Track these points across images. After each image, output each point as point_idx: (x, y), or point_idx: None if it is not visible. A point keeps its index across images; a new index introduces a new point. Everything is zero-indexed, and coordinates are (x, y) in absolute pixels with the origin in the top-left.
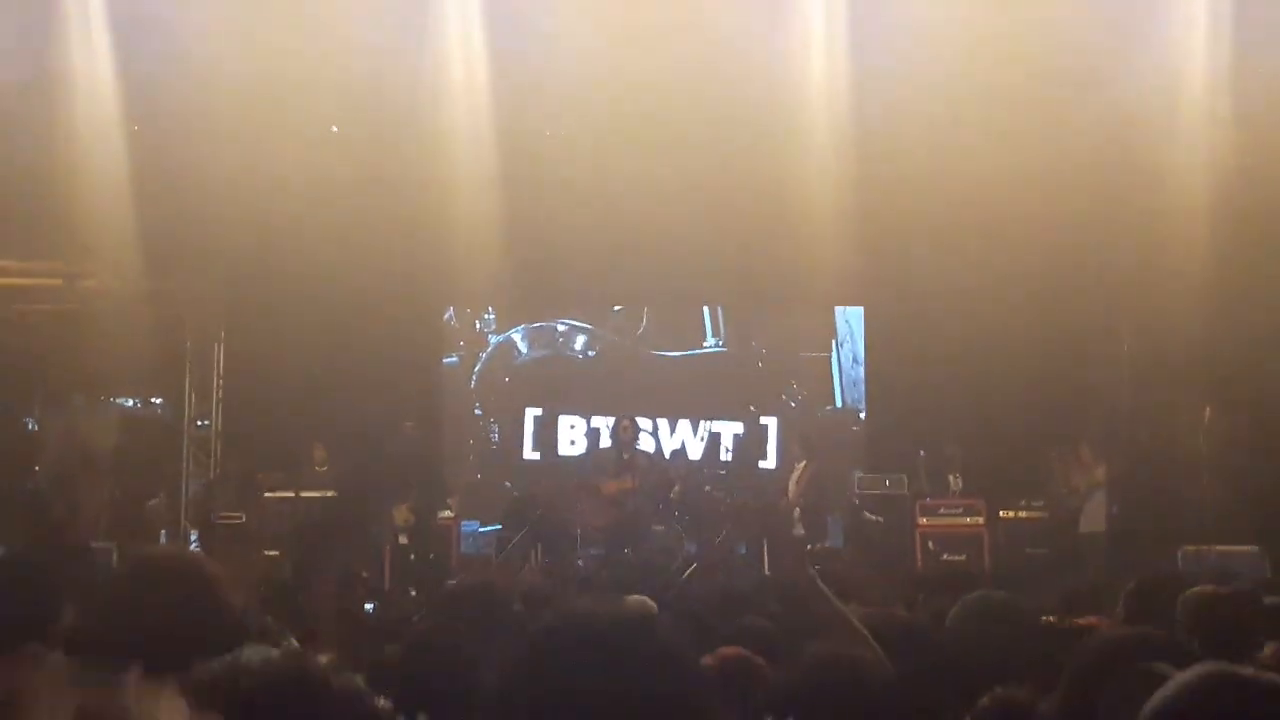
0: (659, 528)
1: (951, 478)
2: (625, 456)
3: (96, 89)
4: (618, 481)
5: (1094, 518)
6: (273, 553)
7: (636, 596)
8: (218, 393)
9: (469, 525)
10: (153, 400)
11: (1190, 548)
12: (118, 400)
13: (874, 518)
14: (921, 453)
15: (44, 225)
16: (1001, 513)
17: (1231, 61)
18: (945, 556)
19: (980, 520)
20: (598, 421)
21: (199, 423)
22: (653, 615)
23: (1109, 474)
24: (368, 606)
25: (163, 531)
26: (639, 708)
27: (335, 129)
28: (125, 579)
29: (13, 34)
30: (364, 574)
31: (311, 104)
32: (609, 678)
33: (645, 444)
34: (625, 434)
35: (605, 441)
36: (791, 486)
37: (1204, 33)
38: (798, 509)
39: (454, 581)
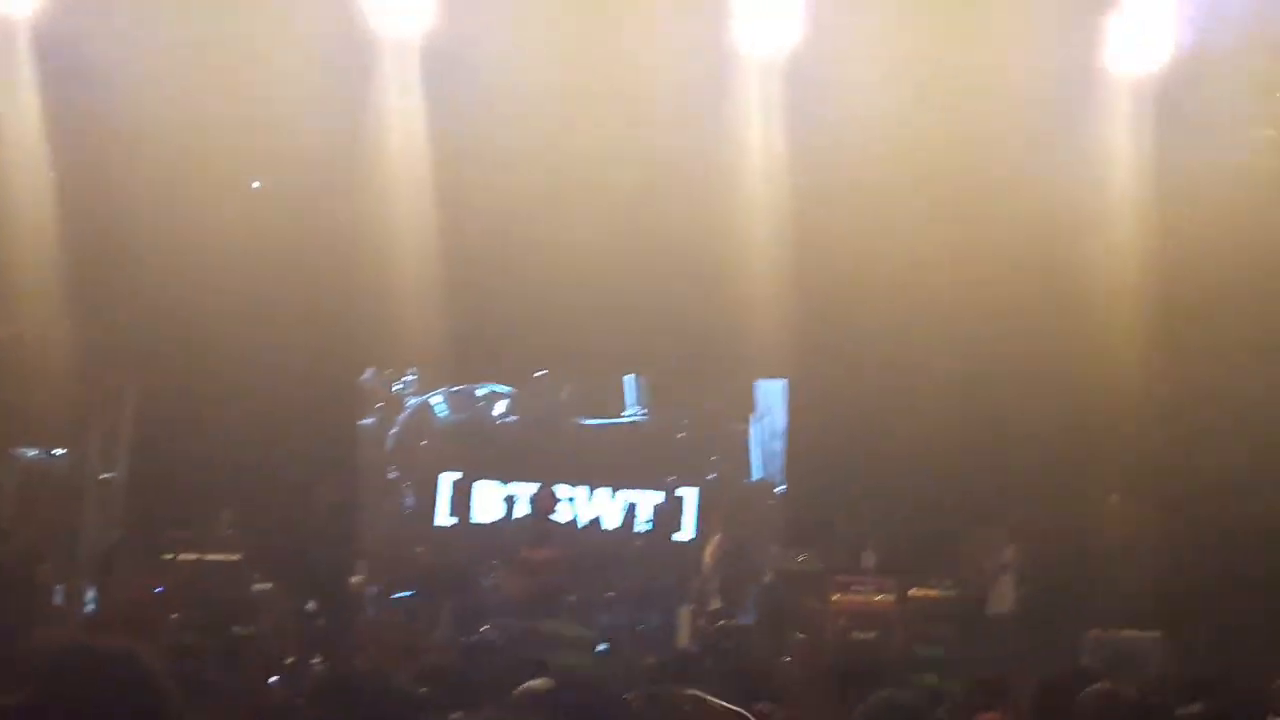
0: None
1: (864, 553)
2: (544, 526)
3: (18, 133)
4: (538, 551)
5: (1002, 599)
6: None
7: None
8: (125, 447)
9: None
10: (54, 451)
11: (1096, 632)
12: (20, 451)
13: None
14: (834, 524)
15: None
16: (912, 591)
17: (1154, 154)
18: (856, 634)
19: (891, 598)
20: (515, 488)
21: (102, 475)
22: None
23: (1017, 557)
24: (270, 680)
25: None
26: None
27: (257, 184)
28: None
29: None
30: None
31: (236, 157)
32: None
33: (563, 514)
34: (544, 503)
35: (523, 509)
36: (707, 559)
37: (1127, 127)
38: (716, 581)
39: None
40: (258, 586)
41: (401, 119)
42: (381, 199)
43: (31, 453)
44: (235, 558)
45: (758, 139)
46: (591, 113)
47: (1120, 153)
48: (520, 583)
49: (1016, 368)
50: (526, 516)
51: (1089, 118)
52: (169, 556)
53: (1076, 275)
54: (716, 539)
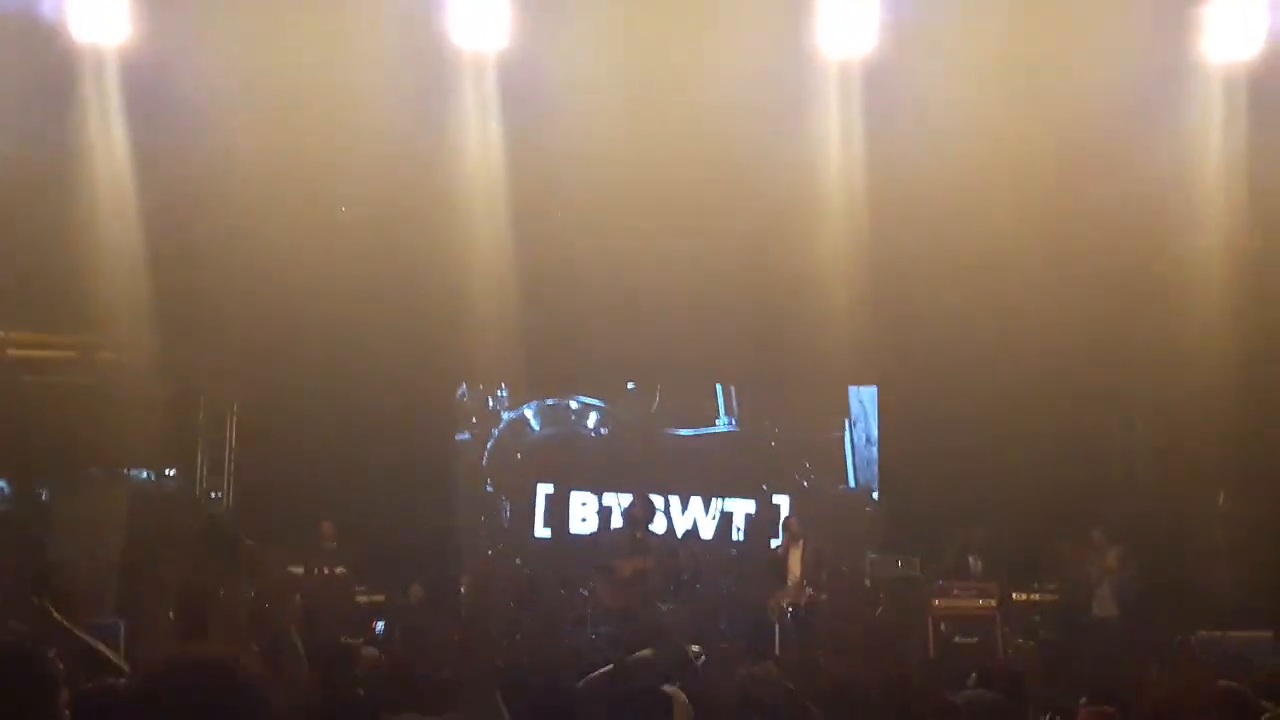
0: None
1: (971, 559)
2: (639, 536)
3: (111, 163)
4: (632, 562)
5: (1107, 602)
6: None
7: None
8: (229, 466)
9: None
10: (165, 473)
11: (1205, 633)
12: (131, 473)
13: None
14: (963, 531)
15: (61, 298)
16: (1014, 595)
17: (1246, 145)
18: (957, 639)
19: (993, 603)
20: (609, 499)
21: (211, 495)
22: None
23: (1122, 558)
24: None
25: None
26: None
27: (344, 209)
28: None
29: (34, 110)
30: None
31: (323, 181)
32: None
33: (658, 524)
34: (639, 514)
35: (617, 520)
36: (792, 569)
37: (1219, 117)
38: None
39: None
40: (362, 598)
41: (482, 136)
42: (467, 216)
43: (142, 475)
44: (340, 570)
45: (839, 143)
46: (673, 123)
47: (1213, 145)
48: (614, 593)
49: (1113, 366)
50: (622, 529)
51: (1182, 110)
52: (278, 570)
53: (1171, 271)
54: (799, 547)
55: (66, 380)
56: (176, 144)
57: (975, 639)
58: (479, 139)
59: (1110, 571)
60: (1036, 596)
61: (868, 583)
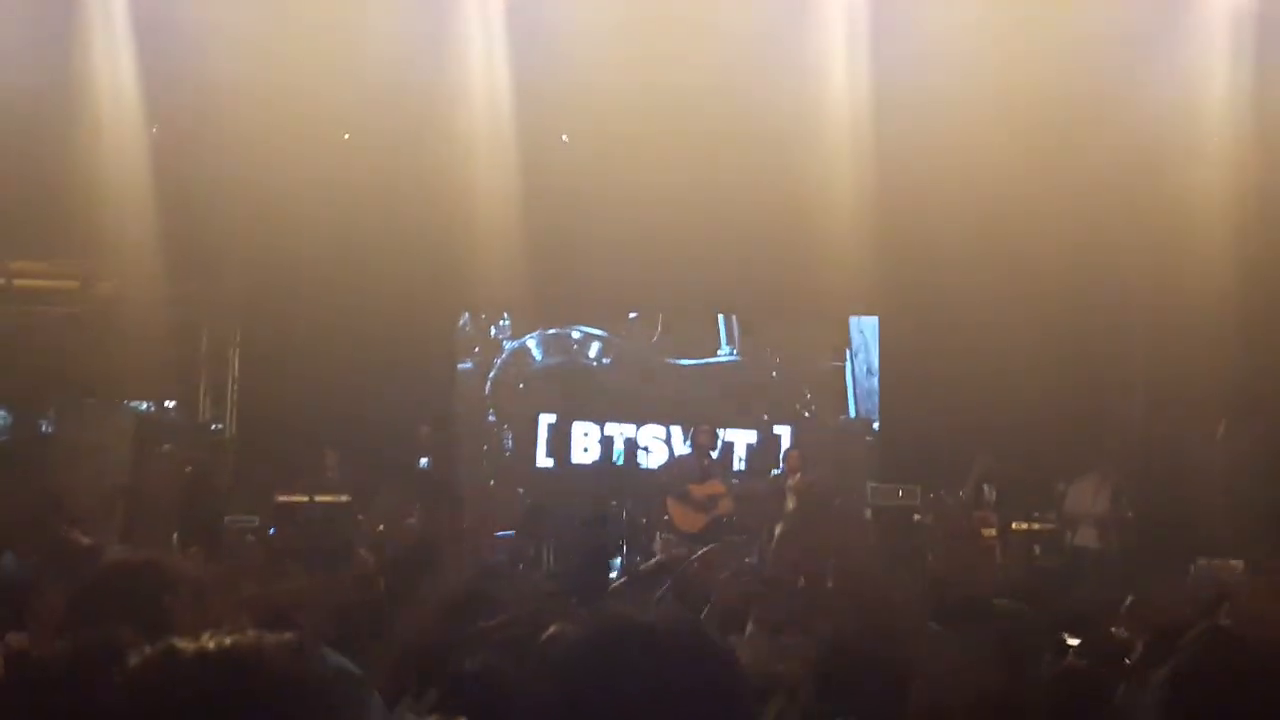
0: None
1: (986, 487)
2: (705, 462)
3: (115, 91)
4: (705, 486)
5: (1106, 532)
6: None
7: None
8: (232, 397)
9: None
10: (166, 404)
11: (1204, 561)
12: (132, 403)
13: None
14: (977, 460)
15: (61, 227)
16: (1014, 525)
17: (1251, 81)
18: (955, 567)
19: (993, 532)
20: (611, 429)
21: (213, 426)
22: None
23: (1120, 488)
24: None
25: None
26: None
27: (347, 136)
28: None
29: (34, 37)
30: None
31: (328, 109)
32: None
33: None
34: (704, 439)
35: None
36: (789, 499)
37: (1223, 53)
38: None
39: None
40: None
41: (485, 65)
42: (469, 146)
43: (143, 406)
44: (344, 499)
45: (842, 77)
46: (676, 54)
47: (1216, 83)
48: (696, 518)
49: (1114, 300)
50: (687, 455)
51: (1183, 48)
52: (280, 499)
53: (1170, 208)
54: (796, 477)
55: (68, 310)
56: (179, 72)
57: (974, 568)
58: (480, 66)
59: (1109, 500)
60: (1036, 525)
61: (868, 512)
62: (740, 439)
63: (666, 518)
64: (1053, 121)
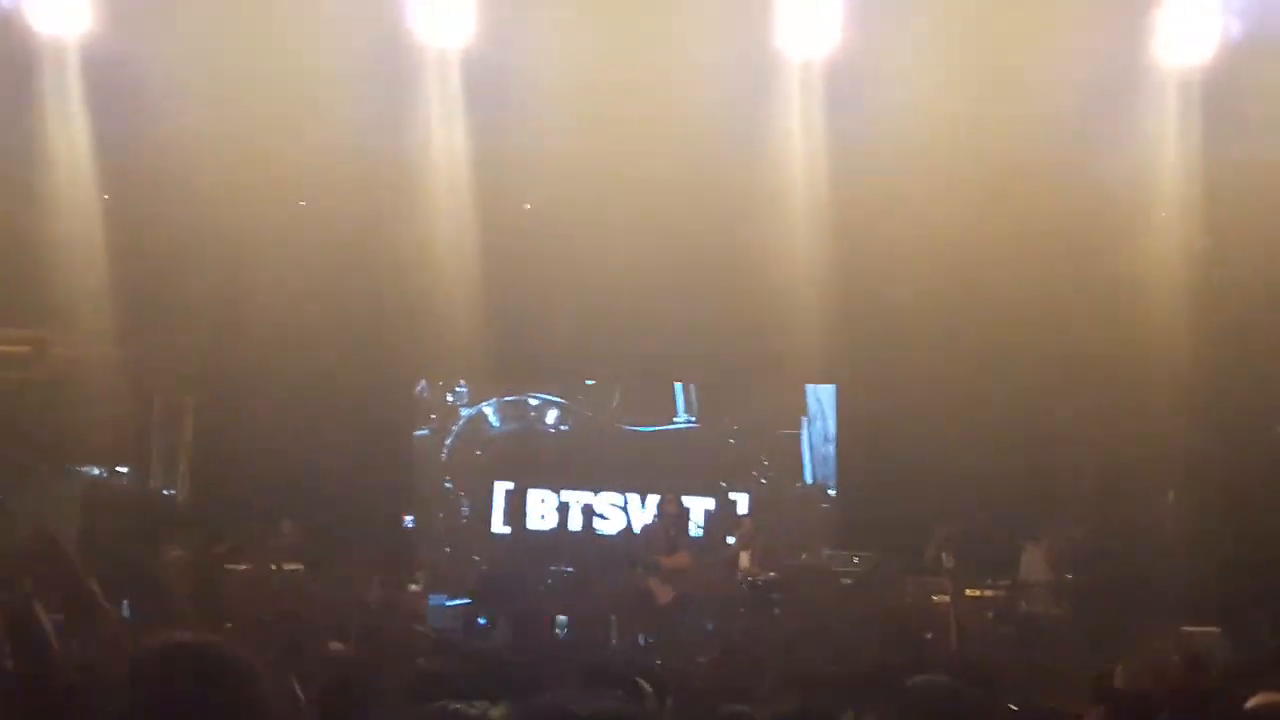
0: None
1: (944, 555)
2: (673, 534)
3: (69, 155)
4: (674, 558)
5: (1059, 599)
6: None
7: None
8: (184, 464)
9: (436, 599)
10: (118, 469)
11: (1170, 626)
12: (83, 469)
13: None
14: (937, 530)
15: (13, 291)
16: (968, 591)
17: (1201, 147)
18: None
19: (947, 599)
20: (568, 496)
21: (164, 492)
22: None
23: (1074, 556)
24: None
25: None
26: None
27: (303, 202)
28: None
29: None
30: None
31: (284, 175)
32: None
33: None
34: (671, 508)
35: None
36: (744, 562)
37: (1174, 120)
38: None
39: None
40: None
41: (445, 131)
42: (428, 212)
43: (94, 471)
44: (297, 567)
45: (800, 141)
46: (634, 121)
47: (1166, 146)
48: (660, 590)
49: (1066, 368)
50: (654, 526)
51: (1135, 111)
52: (231, 567)
53: (1126, 270)
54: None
55: (19, 375)
56: (134, 137)
57: (930, 634)
58: (441, 134)
59: (1063, 568)
60: (989, 592)
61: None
62: (697, 505)
63: (639, 586)
64: (1008, 191)
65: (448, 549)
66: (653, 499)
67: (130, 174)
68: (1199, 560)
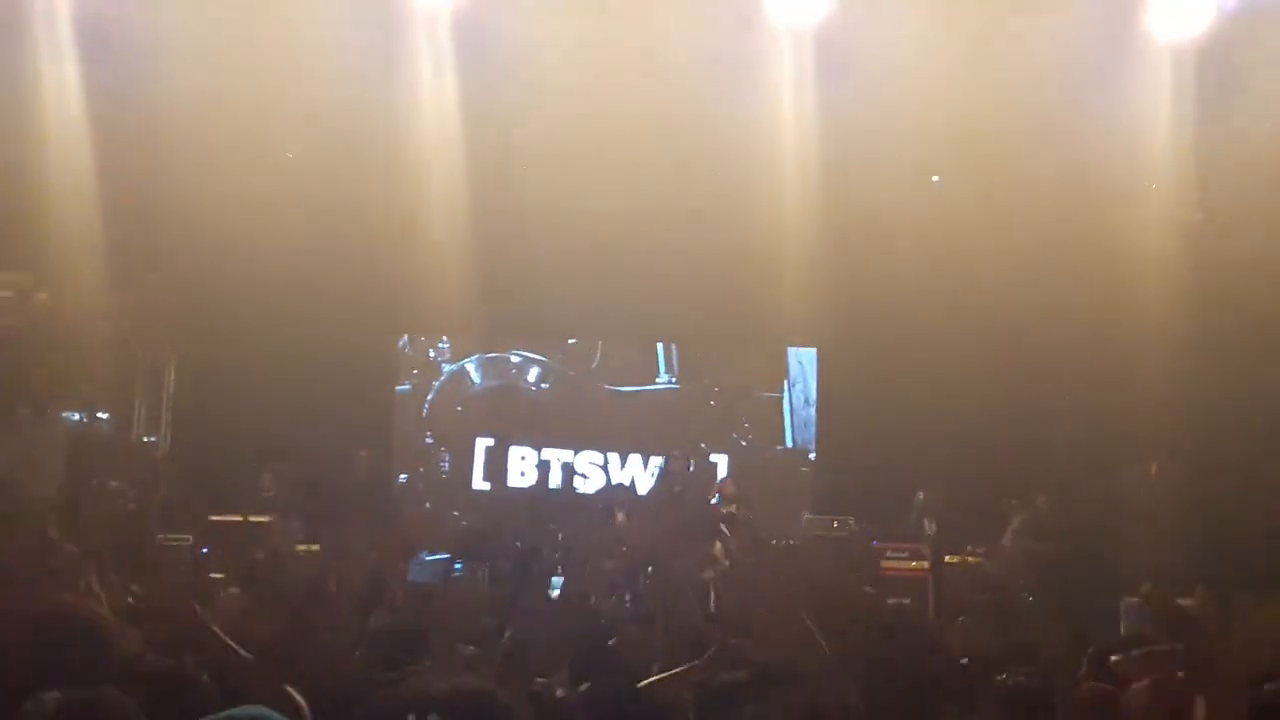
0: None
1: (927, 522)
2: (676, 489)
3: (56, 103)
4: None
5: (1036, 567)
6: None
7: None
8: (167, 413)
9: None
10: (99, 415)
11: (1133, 599)
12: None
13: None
14: (920, 495)
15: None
16: (947, 559)
17: (1191, 118)
18: (890, 600)
19: (925, 565)
20: (549, 453)
21: (145, 439)
22: None
23: (1054, 524)
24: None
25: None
26: None
27: (290, 154)
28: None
29: None
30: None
31: (271, 127)
32: None
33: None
34: (677, 465)
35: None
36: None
37: (1168, 91)
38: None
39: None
40: (300, 548)
41: (432, 89)
42: (415, 169)
43: (76, 416)
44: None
45: (789, 106)
46: (622, 82)
47: (1161, 117)
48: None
49: (1052, 335)
50: (660, 483)
51: (1129, 82)
52: (213, 518)
53: (1113, 238)
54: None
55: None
56: (122, 88)
57: (909, 599)
58: (427, 90)
59: (1043, 536)
60: (970, 559)
61: (791, 542)
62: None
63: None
64: (995, 156)
65: (428, 504)
66: (633, 458)
67: (116, 124)
68: (1187, 531)
